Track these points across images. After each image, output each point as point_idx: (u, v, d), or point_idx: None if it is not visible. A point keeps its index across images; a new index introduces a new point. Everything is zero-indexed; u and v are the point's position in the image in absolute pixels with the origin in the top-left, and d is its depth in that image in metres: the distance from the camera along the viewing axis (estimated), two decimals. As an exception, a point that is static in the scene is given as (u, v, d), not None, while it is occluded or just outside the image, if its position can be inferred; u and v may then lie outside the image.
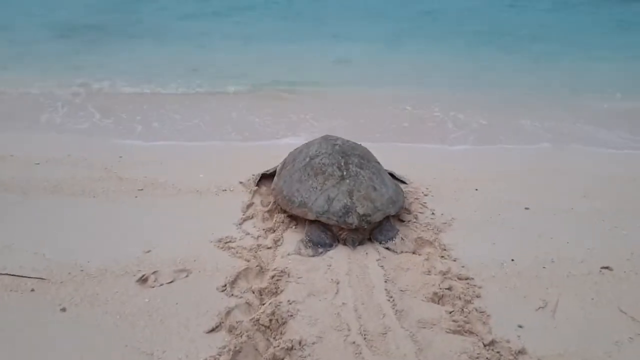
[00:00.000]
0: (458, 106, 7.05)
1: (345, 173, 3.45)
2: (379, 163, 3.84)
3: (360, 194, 3.34)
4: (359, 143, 3.94)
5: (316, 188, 3.41)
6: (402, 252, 3.24)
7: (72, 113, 6.48)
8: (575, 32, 12.30)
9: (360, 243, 3.28)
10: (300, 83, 8.03)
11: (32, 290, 2.71)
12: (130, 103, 6.95)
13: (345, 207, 3.26)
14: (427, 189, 4.22)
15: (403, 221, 3.61)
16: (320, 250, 3.22)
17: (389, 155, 4.37)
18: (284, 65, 9.18)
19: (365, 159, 3.69)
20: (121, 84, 7.73)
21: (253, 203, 3.84)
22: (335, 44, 10.93)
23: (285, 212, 3.58)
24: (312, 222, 3.37)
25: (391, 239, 3.34)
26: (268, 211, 3.71)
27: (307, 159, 3.64)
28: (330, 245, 3.27)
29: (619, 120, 6.55)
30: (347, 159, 3.57)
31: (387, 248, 3.27)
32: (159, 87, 7.70)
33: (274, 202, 3.74)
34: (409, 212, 3.75)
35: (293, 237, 3.36)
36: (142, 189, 4.04)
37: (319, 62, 9.53)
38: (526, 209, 3.90)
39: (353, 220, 3.22)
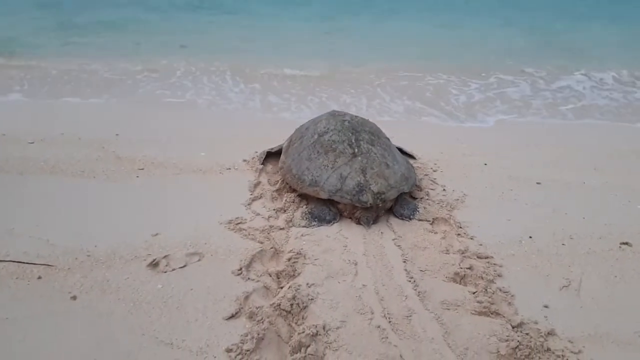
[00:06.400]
0: (457, 78, 6.98)
1: (356, 150, 3.34)
2: (388, 139, 3.73)
3: (374, 171, 3.24)
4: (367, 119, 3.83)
5: (327, 166, 3.30)
6: (433, 218, 3.28)
7: (61, 88, 6.26)
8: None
9: (375, 222, 3.20)
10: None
11: (39, 277, 2.58)
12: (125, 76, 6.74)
13: (359, 185, 3.16)
14: (435, 164, 4.15)
15: (415, 198, 3.53)
16: (314, 223, 3.17)
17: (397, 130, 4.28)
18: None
19: (376, 135, 3.57)
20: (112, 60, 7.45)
21: (260, 182, 3.73)
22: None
23: (294, 191, 3.47)
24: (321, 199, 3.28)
25: (415, 210, 3.31)
26: (276, 190, 3.60)
27: (316, 136, 3.51)
28: (328, 222, 3.20)
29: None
30: (358, 135, 3.45)
31: (419, 219, 3.26)
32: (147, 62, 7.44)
33: (282, 180, 3.63)
34: (420, 188, 3.67)
35: (305, 217, 3.27)
36: (142, 169, 3.89)
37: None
38: (537, 183, 3.84)
39: (367, 198, 3.12)
